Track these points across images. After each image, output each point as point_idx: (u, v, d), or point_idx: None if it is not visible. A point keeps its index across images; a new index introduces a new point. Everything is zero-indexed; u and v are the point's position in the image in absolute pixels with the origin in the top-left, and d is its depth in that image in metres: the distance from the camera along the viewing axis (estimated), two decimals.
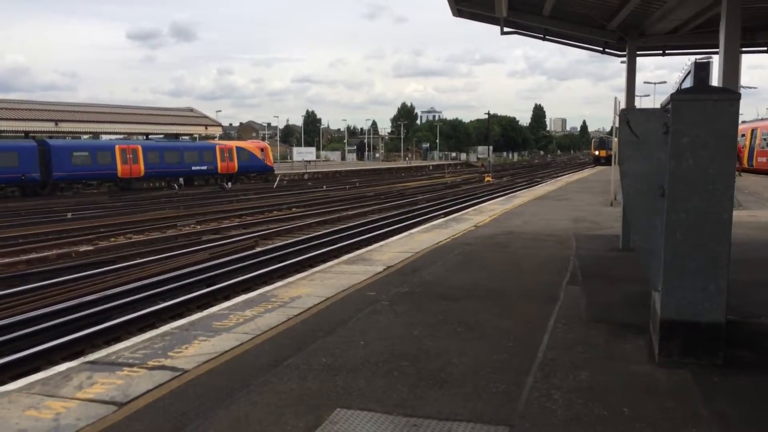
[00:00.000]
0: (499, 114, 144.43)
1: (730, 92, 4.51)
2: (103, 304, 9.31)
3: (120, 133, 49.00)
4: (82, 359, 4.98)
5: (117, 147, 39.06)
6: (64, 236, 17.35)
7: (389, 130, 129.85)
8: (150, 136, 48.42)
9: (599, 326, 5.59)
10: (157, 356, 4.90)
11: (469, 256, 9.53)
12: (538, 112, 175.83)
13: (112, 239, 17.25)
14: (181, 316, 8.25)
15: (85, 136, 50.57)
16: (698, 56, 11.11)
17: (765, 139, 33.61)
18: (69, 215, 23.40)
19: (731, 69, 6.00)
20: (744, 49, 10.92)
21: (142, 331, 7.65)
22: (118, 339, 7.51)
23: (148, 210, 25.28)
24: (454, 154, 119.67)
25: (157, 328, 6.37)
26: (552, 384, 4.21)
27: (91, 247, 15.56)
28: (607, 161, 66.27)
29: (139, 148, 40.29)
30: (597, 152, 73.36)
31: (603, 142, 72.90)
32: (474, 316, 5.98)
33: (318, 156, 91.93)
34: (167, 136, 50.50)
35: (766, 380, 4.29)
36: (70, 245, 15.87)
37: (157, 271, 11.75)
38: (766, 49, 11.19)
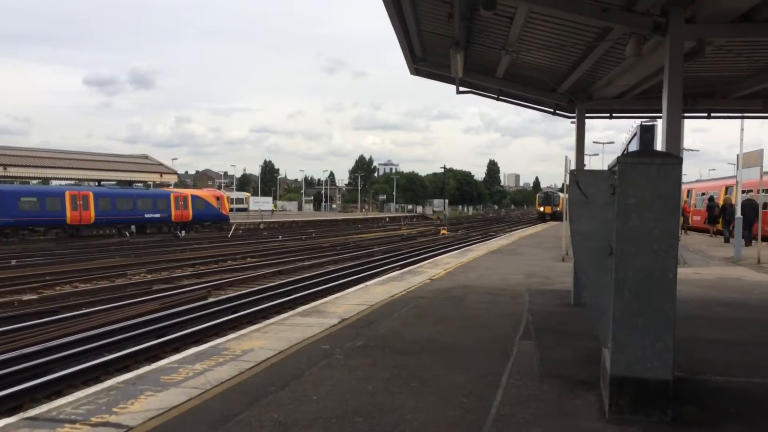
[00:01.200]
0: (455, 168, 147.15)
1: (673, 156, 4.74)
2: (45, 356, 8.93)
3: (71, 179, 48.05)
4: (21, 415, 4.76)
5: (67, 193, 38.15)
6: (7, 284, 16.69)
7: (347, 181, 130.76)
8: (102, 183, 47.56)
9: (552, 381, 5.64)
10: (101, 412, 4.72)
11: (425, 309, 9.55)
12: (493, 168, 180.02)
13: (58, 288, 16.69)
14: (128, 369, 8.00)
15: (35, 182, 49.36)
16: (644, 119, 11.65)
17: (699, 200, 35.16)
18: (13, 262, 22.58)
19: (674, 133, 6.31)
20: (686, 114, 11.51)
21: (86, 384, 7.36)
22: (60, 393, 7.21)
23: (96, 258, 24.62)
24: (410, 207, 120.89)
25: (102, 381, 6.18)
26: None
27: (35, 296, 15.01)
28: (552, 218, 63.67)
29: (90, 194, 39.45)
30: (542, 208, 70.14)
31: (548, 198, 70.85)
32: (429, 370, 5.97)
33: (275, 206, 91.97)
34: (120, 182, 49.73)
35: None
36: (13, 293, 15.28)
37: (104, 321, 11.39)
38: (706, 114, 11.82)
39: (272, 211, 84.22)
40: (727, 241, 25.58)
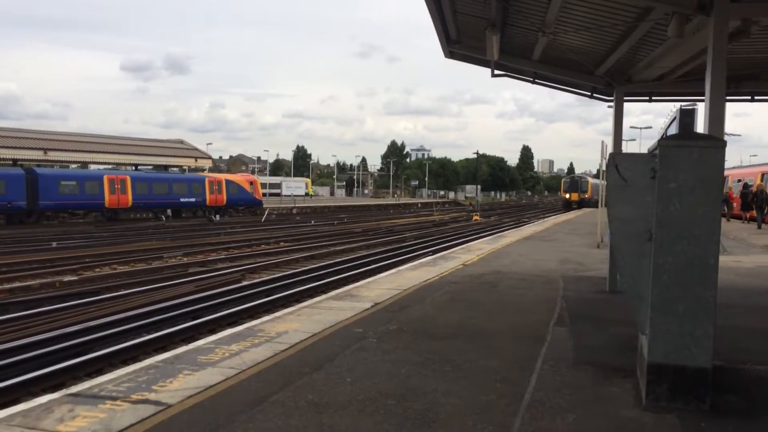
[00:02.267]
0: (487, 154, 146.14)
1: (716, 139, 4.61)
2: (86, 335, 9.18)
3: (109, 164, 48.93)
4: (63, 391, 4.89)
5: (105, 177, 38.98)
6: (48, 266, 17.17)
7: (379, 166, 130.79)
8: (139, 167, 48.39)
9: (586, 368, 5.58)
10: (141, 390, 4.83)
11: (457, 294, 9.52)
12: (526, 153, 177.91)
13: (97, 270, 17.09)
14: (165, 349, 8.16)
15: (74, 166, 50.45)
16: (683, 103, 11.37)
17: (735, 187, 34.40)
18: (54, 244, 23.19)
19: (716, 116, 6.14)
20: (729, 97, 11.18)
21: (125, 363, 7.53)
22: (101, 371, 7.39)
23: (134, 241, 25.12)
24: (442, 193, 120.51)
25: (141, 361, 6.30)
26: (539, 426, 4.18)
27: (75, 277, 15.40)
28: (579, 206, 57.86)
29: (128, 178, 40.22)
30: (568, 195, 62.66)
31: (575, 184, 63.56)
32: (461, 355, 5.96)
33: (311, 190, 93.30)
34: (156, 167, 50.52)
35: (752, 426, 4.29)
36: (54, 275, 15.70)
37: (142, 303, 11.63)
38: (750, 98, 11.48)
39: (308, 194, 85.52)
40: (759, 227, 25.87)
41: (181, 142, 59.34)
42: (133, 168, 48.17)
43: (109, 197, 38.43)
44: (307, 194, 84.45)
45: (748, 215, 29.37)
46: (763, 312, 8.66)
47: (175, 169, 53.17)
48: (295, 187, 68.34)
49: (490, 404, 4.61)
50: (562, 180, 73.29)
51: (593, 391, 4.96)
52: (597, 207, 47.56)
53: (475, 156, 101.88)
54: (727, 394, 4.80)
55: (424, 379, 5.18)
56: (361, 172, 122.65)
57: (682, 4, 6.29)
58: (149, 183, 41.57)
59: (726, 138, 5.84)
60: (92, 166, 50.34)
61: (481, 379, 5.23)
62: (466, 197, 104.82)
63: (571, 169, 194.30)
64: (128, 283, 14.37)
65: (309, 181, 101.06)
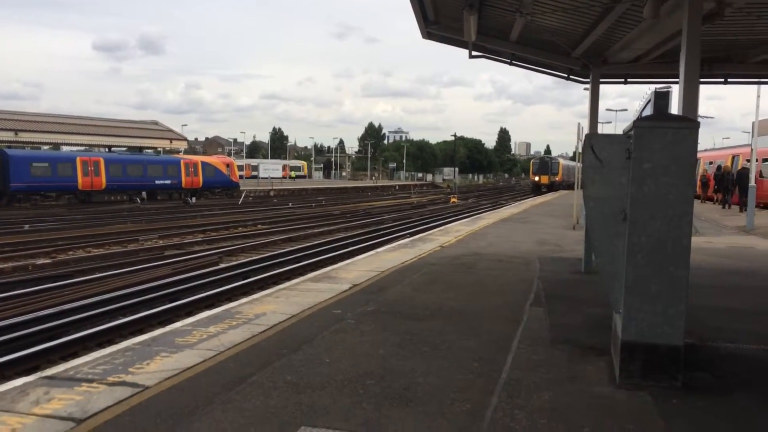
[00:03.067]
0: (465, 136, 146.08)
1: (690, 120, 4.67)
2: (61, 318, 9.07)
3: (81, 145, 48.16)
4: (38, 374, 4.84)
5: (78, 159, 38.33)
6: (21, 248, 16.88)
7: (356, 149, 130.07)
8: (112, 149, 47.65)
9: (562, 347, 5.66)
10: (118, 372, 4.79)
11: (435, 276, 9.58)
12: (504, 136, 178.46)
13: (71, 252, 16.86)
14: (142, 331, 8.10)
15: (46, 147, 49.54)
16: (658, 86, 11.47)
17: (707, 168, 35.10)
18: (26, 227, 22.80)
19: (691, 97, 6.20)
20: (703, 79, 11.31)
21: (101, 346, 7.47)
22: (76, 355, 7.32)
23: (108, 223, 24.81)
24: (420, 175, 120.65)
25: (117, 343, 6.25)
26: (516, 404, 4.24)
27: (48, 260, 15.18)
28: (550, 190, 54.39)
29: (101, 160, 39.64)
30: (537, 178, 58.28)
31: (545, 165, 58.93)
32: (439, 335, 6.00)
33: (293, 174, 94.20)
34: (130, 149, 49.83)
35: (723, 403, 4.40)
36: (27, 258, 15.47)
37: (118, 285, 11.51)
38: (723, 80, 11.61)
39: (298, 177, 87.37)
40: (723, 207, 27.67)
41: (156, 123, 58.58)
42: (107, 150, 47.48)
43: (82, 179, 37.83)
44: (301, 176, 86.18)
45: (717, 197, 30.25)
46: (733, 291, 8.84)
47: (149, 150, 52.49)
48: (272, 169, 67.80)
49: (468, 383, 4.67)
50: (531, 161, 67.63)
51: (568, 370, 5.04)
52: (548, 194, 46.62)
53: (452, 138, 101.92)
54: (698, 372, 4.91)
55: (403, 360, 5.22)
56: (338, 155, 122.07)
57: None
58: (123, 165, 40.99)
59: (699, 120, 5.91)
60: (64, 148, 49.53)
61: (458, 358, 5.28)
62: (443, 180, 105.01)
63: (548, 151, 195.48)
64: (103, 266, 14.21)
65: (305, 164, 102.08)
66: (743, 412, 4.24)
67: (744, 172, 25.21)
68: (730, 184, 27.57)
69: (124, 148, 49.24)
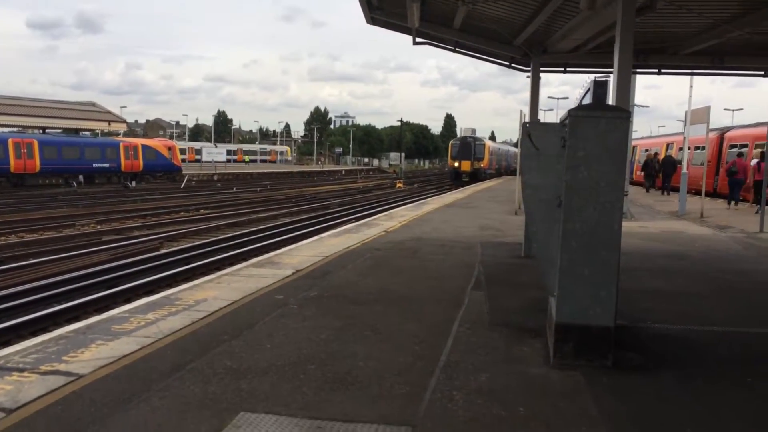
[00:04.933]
0: (412, 122, 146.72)
1: (622, 110, 4.83)
2: None
3: (14, 126, 46.03)
4: None
5: (10, 140, 36.71)
6: None
7: (302, 133, 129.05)
8: (47, 131, 45.81)
9: (500, 330, 5.81)
10: (51, 360, 4.67)
11: (379, 261, 9.64)
12: (450, 121, 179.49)
13: (2, 238, 16.21)
14: (77, 319, 7.89)
15: None
16: (597, 75, 11.80)
17: (643, 155, 36.52)
18: None
19: (624, 87, 6.42)
20: (637, 69, 11.69)
21: (34, 335, 7.24)
22: (8, 343, 7.07)
23: (43, 208, 23.93)
24: (366, 160, 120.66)
25: (50, 331, 6.07)
26: (454, 385, 4.34)
27: None
28: (472, 179, 44.57)
29: (35, 142, 38.11)
30: (456, 164, 46.62)
31: (467, 148, 46.45)
32: (382, 320, 6.07)
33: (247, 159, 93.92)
34: (66, 130, 47.98)
35: (650, 381, 4.61)
36: None
37: (52, 272, 11.16)
38: (657, 70, 12.03)
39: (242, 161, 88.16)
40: (647, 191, 29.84)
41: (93, 104, 56.50)
42: (41, 131, 45.56)
43: (14, 162, 36.29)
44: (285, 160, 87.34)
45: (647, 184, 31.60)
46: (664, 274, 9.22)
47: (86, 133, 50.62)
48: (216, 153, 66.53)
49: (408, 366, 4.74)
50: (450, 143, 52.71)
51: (505, 351, 5.18)
52: (492, 180, 42.41)
53: (399, 124, 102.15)
54: (628, 351, 5.12)
55: (345, 344, 5.26)
56: (284, 139, 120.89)
57: None
58: (59, 147, 39.52)
59: (636, 109, 6.11)
60: None
61: (400, 342, 5.35)
62: (390, 165, 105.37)
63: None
64: (37, 252, 13.73)
65: (288, 149, 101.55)
66: (669, 389, 4.45)
67: (668, 160, 28.62)
68: (653, 171, 29.82)
69: (59, 130, 47.32)
